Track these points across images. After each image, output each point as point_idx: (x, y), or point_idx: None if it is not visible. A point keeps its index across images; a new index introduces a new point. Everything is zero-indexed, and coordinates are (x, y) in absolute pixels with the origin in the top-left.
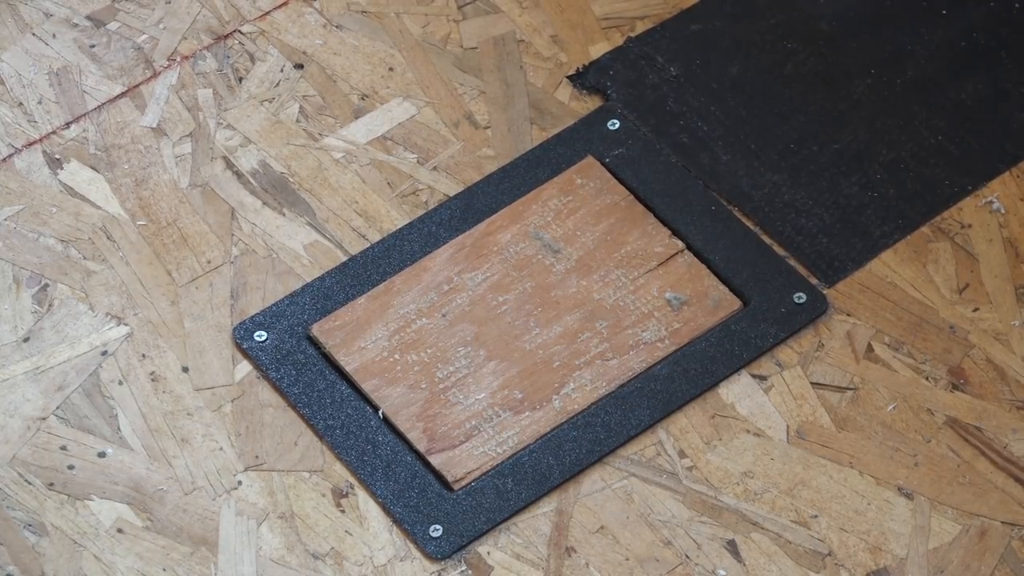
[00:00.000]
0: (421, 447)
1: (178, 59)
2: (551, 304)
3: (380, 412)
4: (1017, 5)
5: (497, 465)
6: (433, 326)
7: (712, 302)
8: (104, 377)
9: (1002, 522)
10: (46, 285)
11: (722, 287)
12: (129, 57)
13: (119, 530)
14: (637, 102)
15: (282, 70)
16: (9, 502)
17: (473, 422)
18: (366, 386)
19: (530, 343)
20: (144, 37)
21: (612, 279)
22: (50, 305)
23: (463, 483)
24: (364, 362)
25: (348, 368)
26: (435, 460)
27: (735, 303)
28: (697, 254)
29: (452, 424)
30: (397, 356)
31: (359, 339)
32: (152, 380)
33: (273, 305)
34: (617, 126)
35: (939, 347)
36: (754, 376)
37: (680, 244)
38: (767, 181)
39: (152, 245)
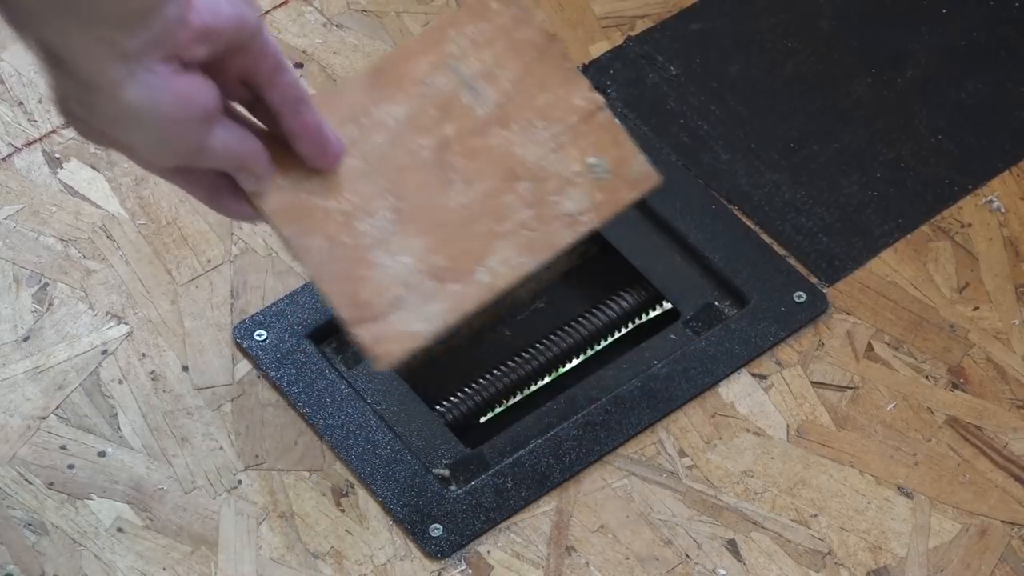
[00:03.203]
0: (346, 315)
1: None
2: (471, 155)
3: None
4: (1017, 5)
5: (423, 346)
6: (352, 168)
7: (633, 174)
8: (104, 376)
9: (1002, 521)
10: (46, 284)
11: (641, 157)
12: None
13: (119, 529)
14: (637, 101)
15: None
16: (9, 501)
17: (397, 290)
18: (285, 232)
19: (452, 200)
20: None
21: (533, 133)
22: (50, 304)
23: (385, 363)
24: (282, 203)
25: (265, 208)
26: (363, 333)
27: (654, 178)
28: (697, 253)
29: (375, 290)
30: (317, 200)
31: (276, 175)
32: (152, 379)
33: (273, 304)
34: None
35: (939, 346)
36: (754, 375)
37: (601, 100)
38: (767, 180)
39: (152, 244)
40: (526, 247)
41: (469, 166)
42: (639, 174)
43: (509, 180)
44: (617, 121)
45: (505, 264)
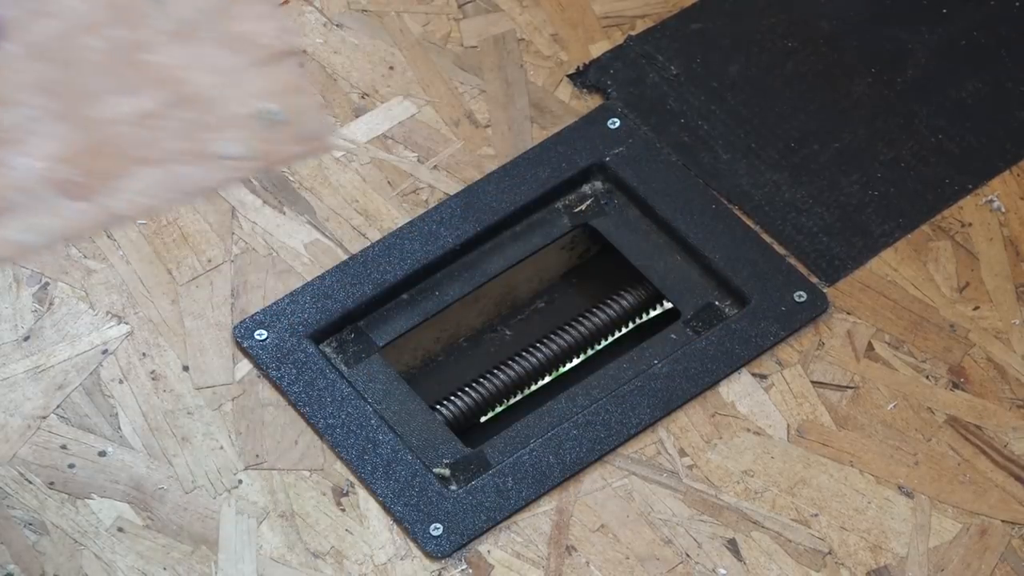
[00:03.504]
0: None
1: None
2: (135, 68)
3: None
4: (1017, 5)
5: (27, 258)
6: (6, 54)
7: (306, 131)
8: (104, 376)
9: (1002, 521)
10: (46, 284)
11: (322, 116)
12: None
13: (119, 529)
14: (637, 101)
15: None
16: (10, 501)
17: (14, 194)
18: None
19: (105, 112)
20: None
21: (210, 60)
22: (50, 304)
23: None
24: None
25: None
26: None
27: (327, 140)
28: (697, 253)
29: None
30: None
31: None
32: (152, 379)
33: (273, 304)
34: (617, 125)
35: (939, 346)
36: (754, 375)
37: (297, 45)
38: (767, 180)
39: (152, 244)
40: (171, 182)
41: (133, 79)
42: (313, 132)
43: (170, 105)
44: (308, 72)
45: (143, 194)
